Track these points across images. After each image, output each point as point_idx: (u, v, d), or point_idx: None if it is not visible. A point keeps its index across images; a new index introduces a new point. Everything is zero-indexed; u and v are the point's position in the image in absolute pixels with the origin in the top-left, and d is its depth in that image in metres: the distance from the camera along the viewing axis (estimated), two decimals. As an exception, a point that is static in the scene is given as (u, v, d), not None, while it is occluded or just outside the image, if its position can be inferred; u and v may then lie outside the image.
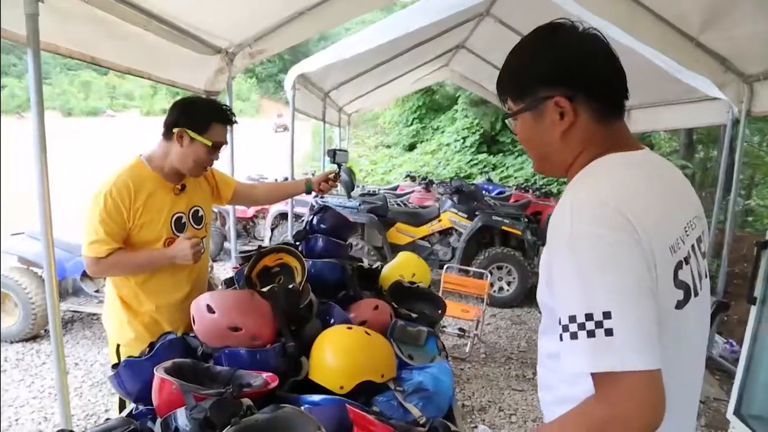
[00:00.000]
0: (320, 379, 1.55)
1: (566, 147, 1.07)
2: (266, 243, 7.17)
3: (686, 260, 1.00)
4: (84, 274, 4.44)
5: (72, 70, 40.74)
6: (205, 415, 1.17)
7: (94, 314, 4.77)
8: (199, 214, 2.22)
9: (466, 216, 6.09)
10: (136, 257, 2.01)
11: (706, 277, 1.10)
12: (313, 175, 6.60)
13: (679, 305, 0.97)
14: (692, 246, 1.04)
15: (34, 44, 2.02)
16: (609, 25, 4.09)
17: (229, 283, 2.30)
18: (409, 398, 1.57)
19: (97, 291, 4.44)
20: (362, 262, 2.82)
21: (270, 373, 1.46)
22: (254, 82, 43.81)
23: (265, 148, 22.96)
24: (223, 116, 2.08)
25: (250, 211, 7.42)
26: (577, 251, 0.91)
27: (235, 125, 2.20)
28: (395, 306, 2.24)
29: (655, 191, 1.01)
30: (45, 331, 4.52)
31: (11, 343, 4.36)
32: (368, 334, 1.67)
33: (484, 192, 7.47)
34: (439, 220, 6.21)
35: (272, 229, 7.09)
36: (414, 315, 2.24)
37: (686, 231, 1.03)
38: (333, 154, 2.99)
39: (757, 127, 9.68)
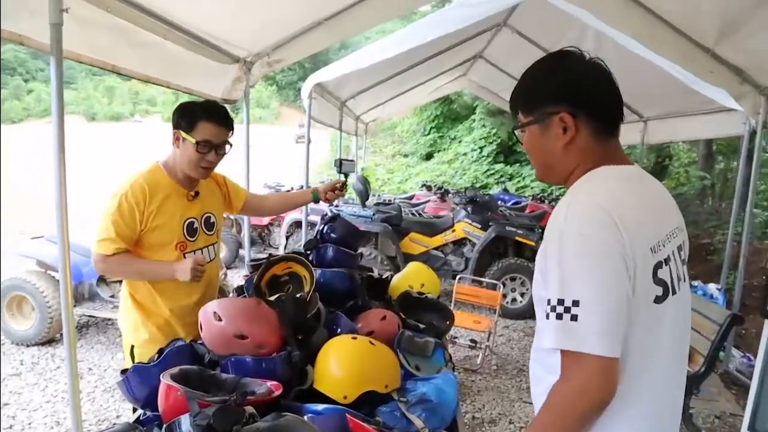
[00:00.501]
0: (324, 389, 1.57)
1: (567, 158, 1.22)
2: (281, 251, 7.22)
3: (666, 261, 1.14)
4: (100, 279, 4.51)
5: (97, 76, 41.69)
6: (208, 422, 1.18)
7: (109, 319, 4.83)
8: (211, 221, 2.28)
9: (479, 226, 6.08)
10: (140, 263, 2.08)
11: (685, 280, 1.23)
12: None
13: (658, 300, 1.12)
14: (673, 251, 1.18)
15: (57, 53, 2.08)
16: (626, 37, 4.10)
17: (239, 290, 2.33)
18: (413, 409, 1.58)
19: (112, 296, 4.50)
20: (372, 271, 2.83)
21: (275, 382, 1.47)
22: (274, 89, 44.30)
23: (285, 156, 23.16)
24: (211, 114, 2.08)
25: (266, 219, 7.47)
26: (564, 245, 1.07)
27: (252, 131, 2.26)
28: (403, 316, 2.25)
29: (641, 200, 1.17)
30: (61, 335, 4.58)
31: (27, 346, 4.45)
32: (373, 344, 1.68)
33: (499, 202, 7.46)
34: (453, 230, 6.20)
35: (287, 237, 7.14)
36: (422, 326, 2.25)
37: (668, 237, 1.17)
38: (339, 164, 3.03)
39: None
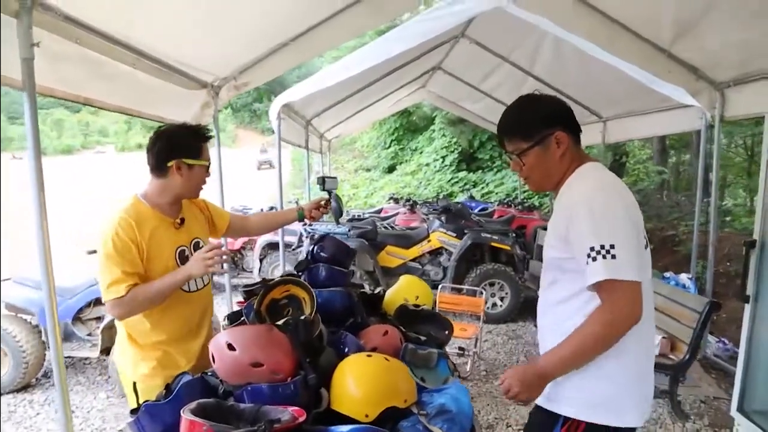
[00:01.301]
0: (345, 409, 1.55)
1: (562, 165, 1.66)
2: (255, 274, 7.11)
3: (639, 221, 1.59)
4: (75, 318, 4.34)
5: (43, 109, 40.42)
6: (241, 454, 1.16)
7: (87, 359, 4.66)
8: (200, 246, 2.22)
9: (455, 235, 6.14)
10: (153, 286, 1.98)
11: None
12: (296, 203, 6.58)
13: (646, 246, 1.62)
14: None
15: (30, 88, 2.03)
16: (584, 41, 4.25)
17: (232, 318, 2.26)
18: (433, 421, 1.58)
19: (89, 335, 4.34)
20: (363, 288, 2.82)
21: (295, 407, 1.44)
22: (229, 112, 43.83)
23: (245, 179, 22.84)
24: (206, 136, 2.15)
25: (238, 243, 7.33)
26: (593, 208, 1.50)
27: (212, 154, 2.26)
28: (403, 330, 2.24)
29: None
30: (37, 379, 4.40)
31: (2, 394, 4.23)
32: (388, 360, 1.67)
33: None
34: (429, 241, 6.24)
35: (261, 260, 7.04)
36: (422, 338, 2.25)
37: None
38: (323, 181, 3.03)
39: (726, 130, 9.98)
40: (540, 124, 1.62)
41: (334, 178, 3.23)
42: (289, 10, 3.55)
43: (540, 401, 1.72)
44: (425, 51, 6.52)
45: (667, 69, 3.95)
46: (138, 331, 2.10)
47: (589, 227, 1.46)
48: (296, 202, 7.39)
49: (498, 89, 7.85)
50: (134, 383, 2.10)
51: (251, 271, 7.34)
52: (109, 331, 4.18)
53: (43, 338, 4.22)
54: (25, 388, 4.31)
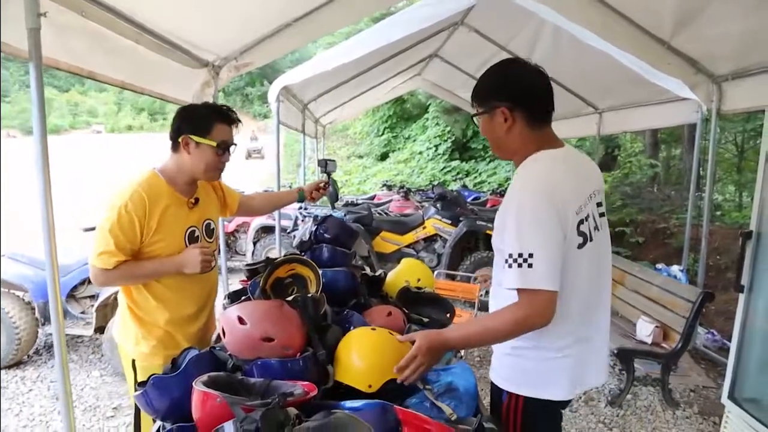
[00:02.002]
0: (348, 379, 1.57)
1: (509, 140, 1.66)
2: (248, 257, 7.10)
3: (586, 218, 1.57)
4: (69, 296, 4.31)
5: (30, 87, 39.71)
6: (256, 426, 1.16)
7: (80, 337, 4.65)
8: (211, 227, 2.25)
9: (450, 222, 6.16)
10: (144, 267, 2.01)
11: (600, 229, 1.65)
12: (290, 187, 6.57)
13: (579, 247, 1.56)
14: (592, 209, 1.61)
15: (37, 59, 2.00)
16: (583, 30, 4.24)
17: (233, 297, 2.26)
18: (441, 398, 1.59)
19: (83, 312, 4.31)
20: (365, 269, 2.82)
21: (306, 382, 1.45)
22: (221, 95, 43.39)
23: (235, 163, 22.65)
24: (224, 115, 2.09)
25: (231, 226, 7.31)
26: (519, 214, 1.49)
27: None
28: (406, 312, 2.26)
29: (568, 174, 1.59)
30: (29, 356, 4.38)
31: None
32: (392, 334, 1.69)
33: (461, 198, 7.56)
34: (424, 228, 6.26)
35: (254, 243, 7.02)
36: (425, 319, 2.27)
37: (589, 198, 1.60)
38: (324, 164, 3.06)
39: (719, 125, 10.07)
40: (492, 94, 1.65)
41: (333, 161, 3.24)
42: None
43: (491, 375, 1.81)
44: (423, 38, 6.50)
45: (666, 61, 3.95)
46: (142, 308, 2.10)
47: (513, 233, 1.49)
48: (290, 187, 7.38)
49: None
50: (133, 360, 2.11)
51: (244, 254, 7.34)
52: (104, 309, 4.16)
53: (36, 315, 4.19)
54: (17, 364, 4.29)
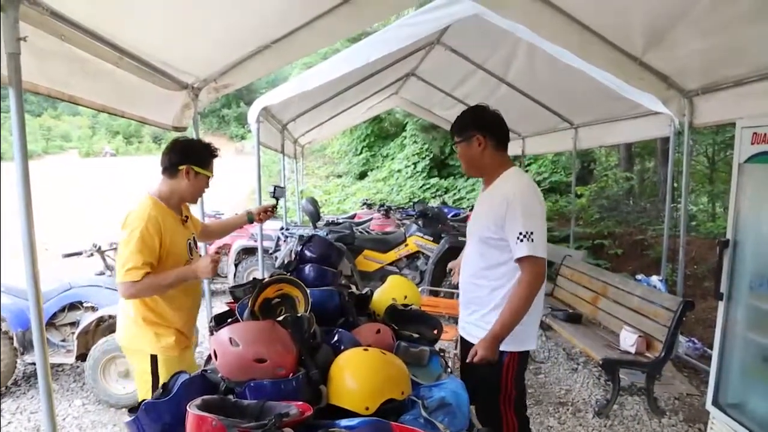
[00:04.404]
0: (344, 403, 1.56)
1: (482, 160, 2.39)
2: (230, 279, 7.02)
3: None
4: (49, 324, 4.20)
5: (4, 113, 39.02)
6: (253, 448, 1.15)
7: (60, 365, 4.52)
8: (195, 241, 2.65)
9: (431, 239, 6.19)
10: (167, 277, 2.33)
11: None
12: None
13: None
14: None
15: (17, 84, 1.98)
16: (558, 49, 4.35)
17: (218, 320, 2.24)
18: (434, 414, 1.60)
19: (63, 340, 4.21)
20: (351, 288, 2.82)
21: (299, 403, 1.44)
22: (197, 118, 43.09)
23: (213, 186, 22.45)
24: (214, 152, 2.59)
25: (212, 248, 7.23)
26: (525, 203, 2.22)
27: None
28: (395, 328, 2.26)
29: None
30: (7, 387, 4.24)
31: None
32: (384, 353, 1.69)
33: (441, 215, 7.59)
34: (406, 245, 6.28)
35: (236, 265, 6.96)
36: (416, 335, 2.27)
37: None
38: (274, 189, 3.42)
39: (691, 137, 10.34)
40: (469, 125, 2.38)
41: (283, 187, 3.78)
42: (271, 12, 3.53)
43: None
44: (401, 57, 6.57)
45: (639, 77, 4.07)
46: (157, 314, 2.43)
47: (521, 217, 2.19)
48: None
49: (471, 96, 7.90)
50: (154, 357, 2.40)
51: (226, 276, 7.24)
52: (85, 337, 4.07)
53: (15, 344, 4.07)
54: (-6, 396, 4.15)
